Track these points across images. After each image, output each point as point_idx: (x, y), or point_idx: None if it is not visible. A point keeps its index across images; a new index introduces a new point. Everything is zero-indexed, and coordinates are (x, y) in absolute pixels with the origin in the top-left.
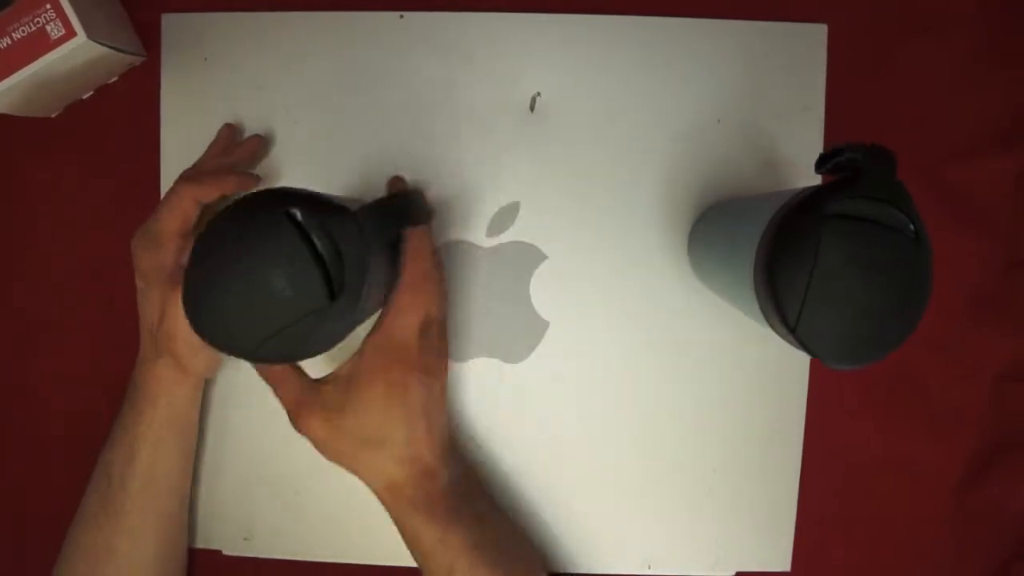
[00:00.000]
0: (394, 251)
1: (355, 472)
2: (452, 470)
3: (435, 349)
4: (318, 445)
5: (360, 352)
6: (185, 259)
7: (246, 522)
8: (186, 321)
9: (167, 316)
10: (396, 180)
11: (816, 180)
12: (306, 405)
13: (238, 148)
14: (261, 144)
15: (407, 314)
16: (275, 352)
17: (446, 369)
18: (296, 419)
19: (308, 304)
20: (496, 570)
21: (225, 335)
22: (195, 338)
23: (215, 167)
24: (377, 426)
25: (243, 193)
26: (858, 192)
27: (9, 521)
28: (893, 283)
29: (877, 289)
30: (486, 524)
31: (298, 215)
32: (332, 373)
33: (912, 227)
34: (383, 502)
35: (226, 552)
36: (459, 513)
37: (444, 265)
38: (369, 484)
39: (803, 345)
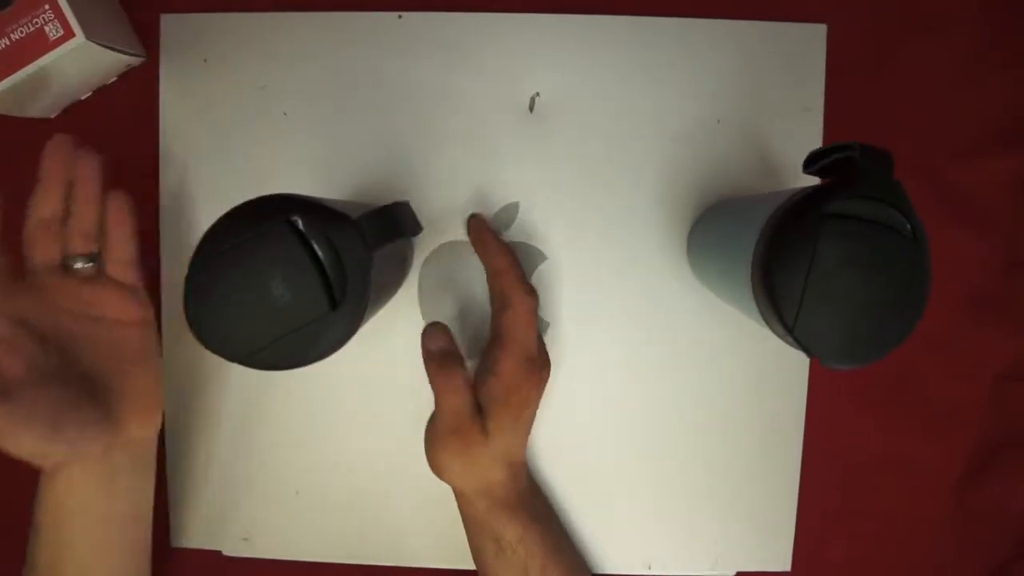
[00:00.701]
0: (395, 258)
1: (450, 478)
2: (527, 474)
3: (547, 363)
4: (437, 467)
5: (497, 372)
6: None
7: (246, 522)
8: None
9: None
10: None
11: (813, 179)
12: (468, 429)
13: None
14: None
15: (529, 332)
16: (276, 359)
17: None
18: (448, 436)
19: (309, 312)
20: (560, 567)
21: (225, 341)
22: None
23: None
24: (508, 443)
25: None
26: (855, 192)
27: (10, 521)
28: (891, 283)
29: (874, 289)
30: (552, 523)
31: (299, 222)
32: (484, 406)
33: (909, 226)
34: (469, 502)
35: (226, 552)
36: (535, 513)
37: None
38: (462, 487)
39: (800, 345)
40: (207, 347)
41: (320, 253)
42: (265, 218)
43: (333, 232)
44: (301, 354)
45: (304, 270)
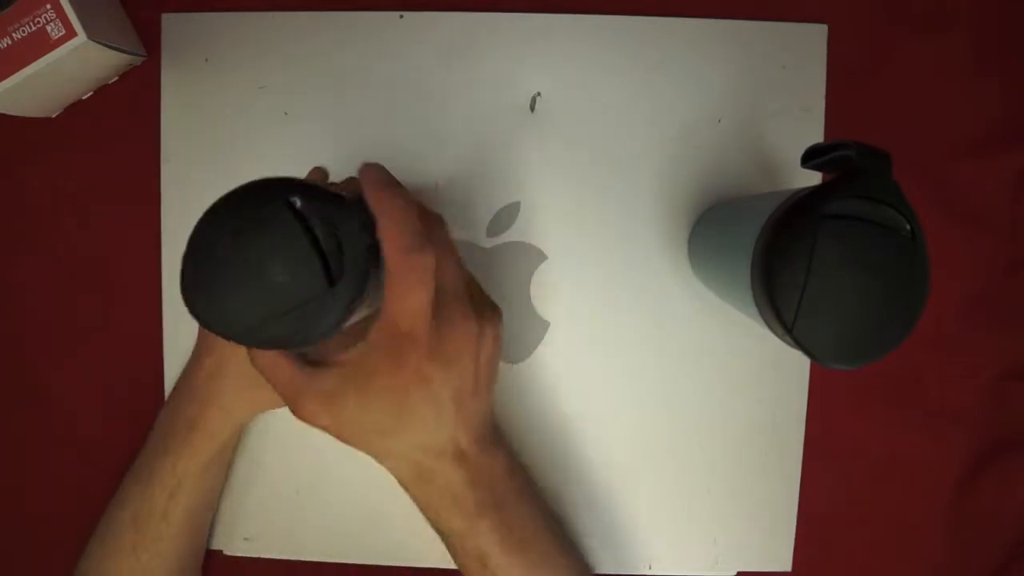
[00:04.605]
0: None
1: (375, 456)
2: (487, 457)
3: (459, 329)
4: (328, 431)
5: (368, 341)
6: None
7: (246, 522)
8: (233, 370)
9: (220, 362)
10: (315, 171)
11: (813, 179)
12: (302, 392)
13: None
14: None
15: (406, 300)
16: (275, 338)
17: (487, 345)
18: (294, 408)
19: (306, 291)
20: (526, 557)
21: (223, 321)
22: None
23: None
24: (392, 415)
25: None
26: (853, 192)
27: (11, 523)
28: (889, 283)
29: (873, 289)
30: (520, 511)
31: (297, 202)
32: (337, 358)
33: (908, 227)
34: (406, 488)
35: (227, 552)
36: (492, 502)
37: (445, 222)
38: (391, 470)
39: (799, 345)
40: (206, 326)
41: (317, 232)
42: (262, 199)
43: (330, 211)
44: (301, 332)
45: (301, 249)
